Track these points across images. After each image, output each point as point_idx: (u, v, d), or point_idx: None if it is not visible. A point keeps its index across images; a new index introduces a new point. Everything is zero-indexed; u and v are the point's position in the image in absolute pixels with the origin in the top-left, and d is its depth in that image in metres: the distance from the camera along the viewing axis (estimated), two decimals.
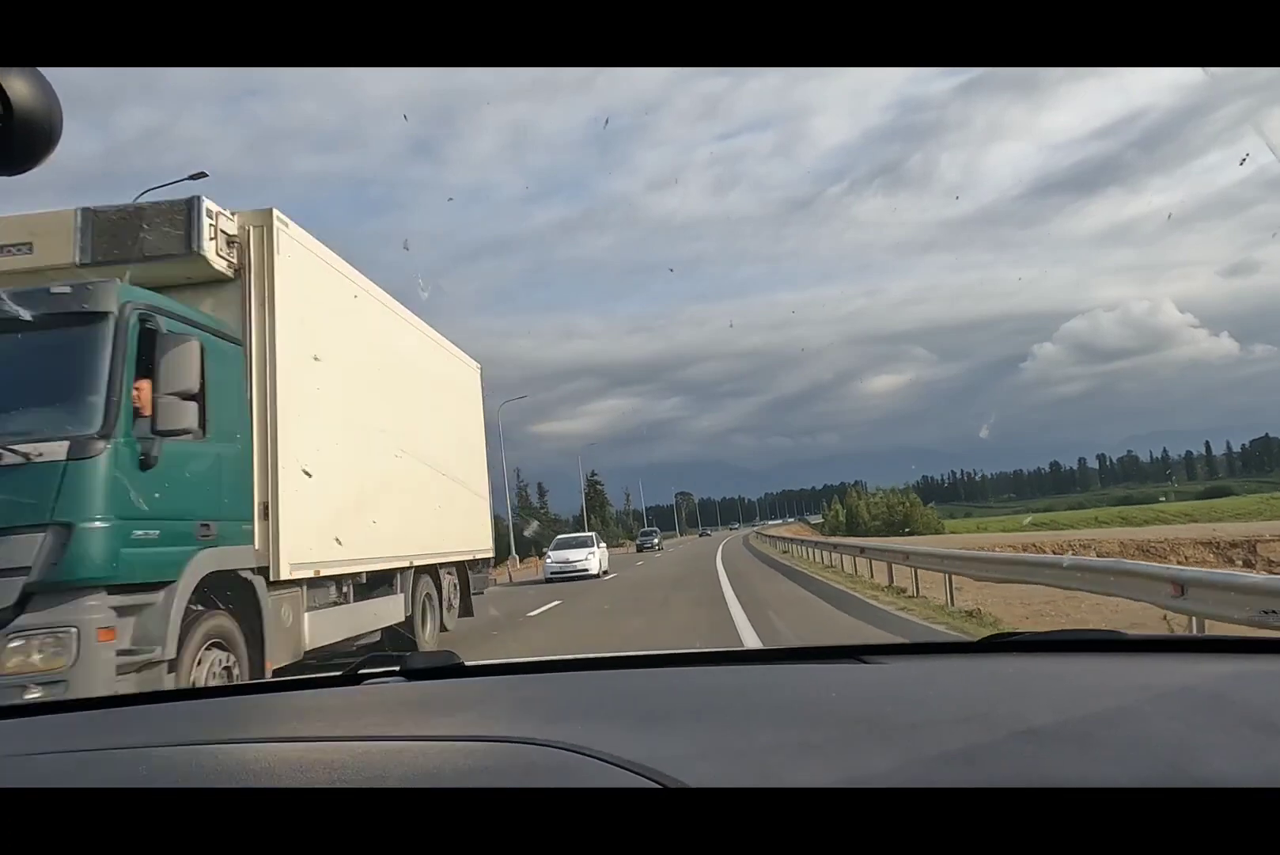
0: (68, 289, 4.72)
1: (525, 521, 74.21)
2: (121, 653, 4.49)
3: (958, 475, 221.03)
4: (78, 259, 5.69)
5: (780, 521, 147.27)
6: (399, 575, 8.21)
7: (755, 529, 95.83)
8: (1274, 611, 4.86)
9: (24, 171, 0.60)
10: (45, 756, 1.03)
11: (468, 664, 1.54)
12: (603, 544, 27.16)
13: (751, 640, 8.43)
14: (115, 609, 4.50)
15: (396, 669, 1.50)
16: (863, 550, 16.82)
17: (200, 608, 5.19)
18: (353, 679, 1.50)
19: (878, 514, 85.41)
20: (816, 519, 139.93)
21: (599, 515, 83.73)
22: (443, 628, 9.70)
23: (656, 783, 0.75)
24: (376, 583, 7.76)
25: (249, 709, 1.41)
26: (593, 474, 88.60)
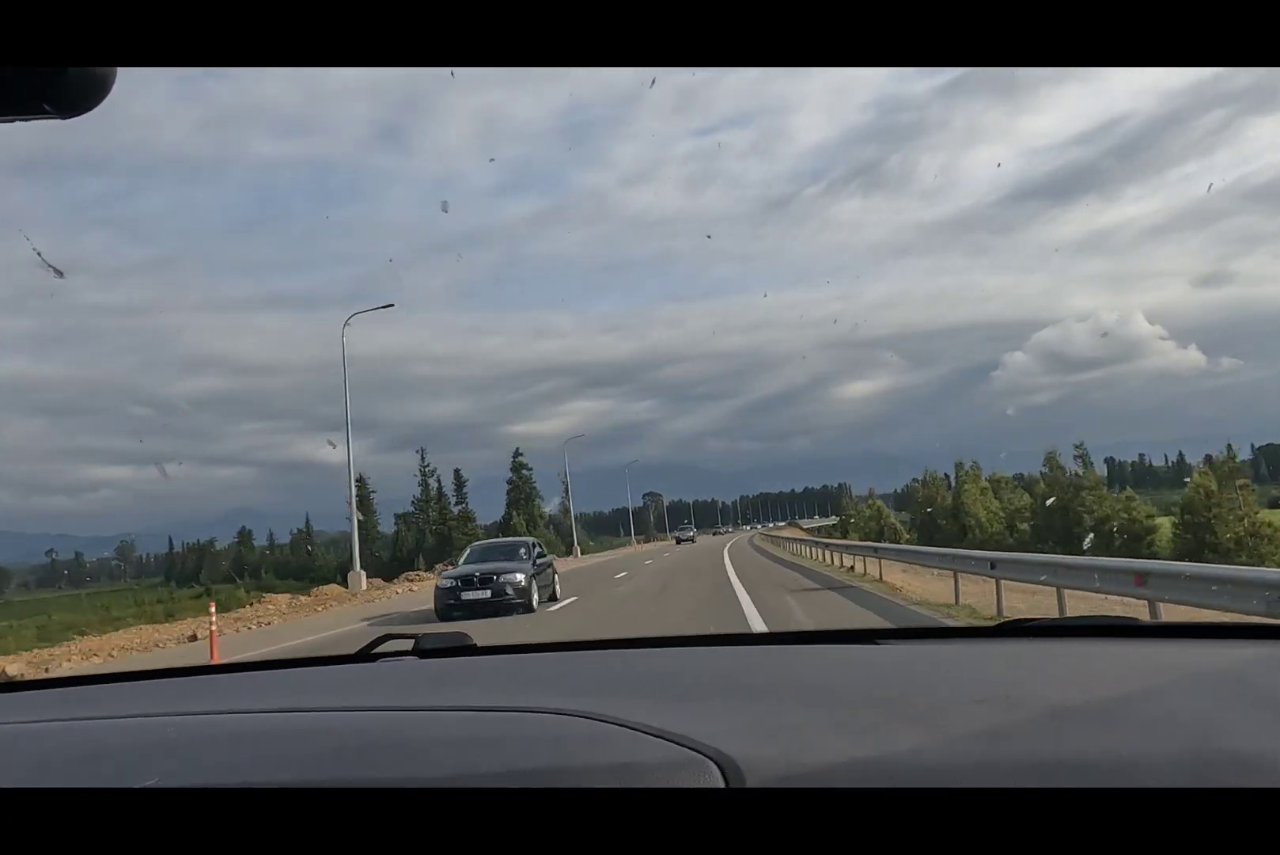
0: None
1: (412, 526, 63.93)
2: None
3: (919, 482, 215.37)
4: None
5: (767, 525, 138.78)
6: None
7: (755, 531, 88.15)
8: None
9: (80, 114, 0.61)
10: (77, 722, 1.09)
11: (481, 645, 1.58)
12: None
13: None
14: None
15: (409, 649, 1.51)
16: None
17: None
18: (366, 657, 1.52)
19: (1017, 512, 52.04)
20: (811, 522, 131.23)
21: (524, 512, 66.44)
22: None
23: (700, 752, 0.76)
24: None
25: (262, 683, 1.46)
26: (517, 453, 72.06)
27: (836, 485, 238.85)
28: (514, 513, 66.15)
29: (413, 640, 1.50)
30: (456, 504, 66.50)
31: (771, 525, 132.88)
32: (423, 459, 67.05)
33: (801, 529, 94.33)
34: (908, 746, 0.78)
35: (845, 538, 51.30)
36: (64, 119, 0.61)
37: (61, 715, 1.13)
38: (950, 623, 8.70)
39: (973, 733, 0.81)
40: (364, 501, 62.68)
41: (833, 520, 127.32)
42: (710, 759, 0.75)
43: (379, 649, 1.51)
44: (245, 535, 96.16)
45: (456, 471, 68.37)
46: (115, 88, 0.59)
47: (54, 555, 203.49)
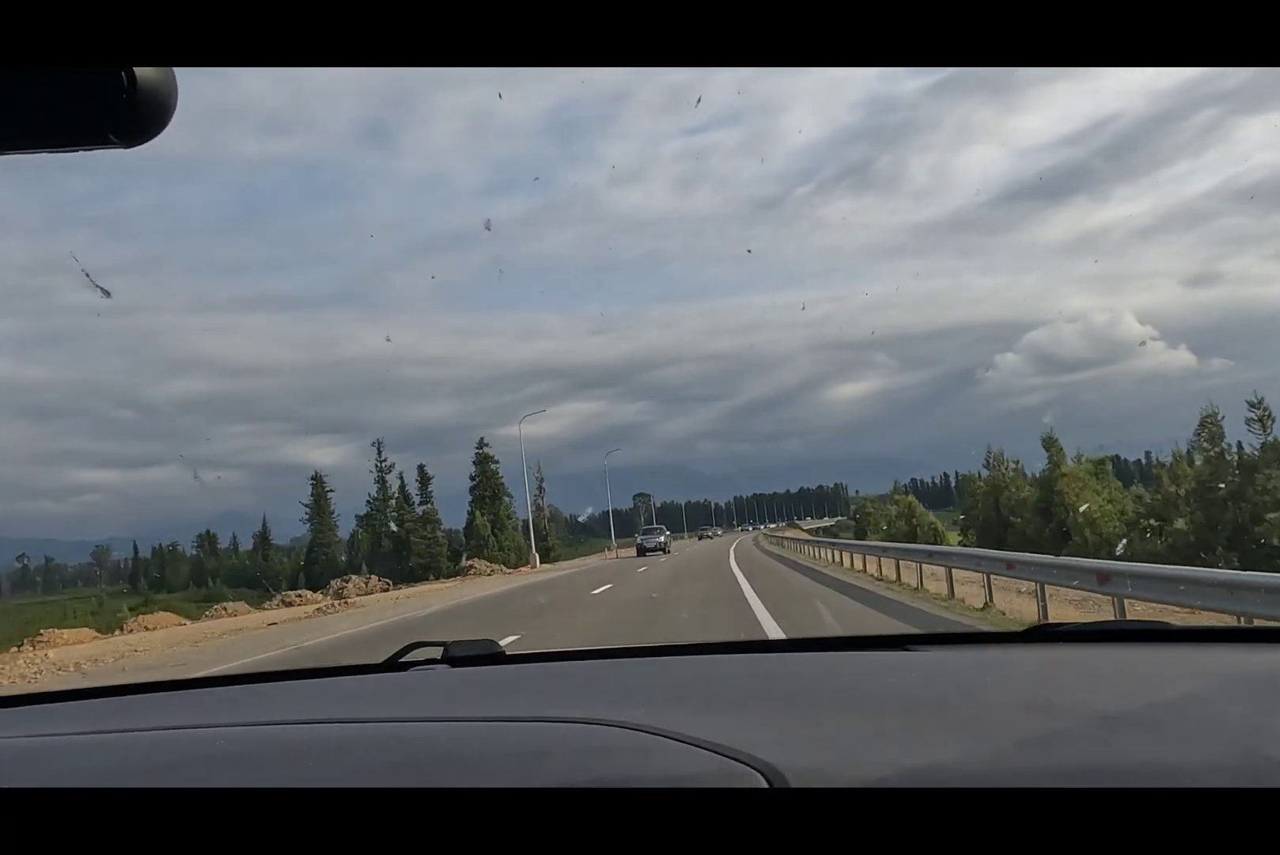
0: None
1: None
2: None
3: (937, 481, 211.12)
4: None
5: (768, 526, 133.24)
6: None
7: (755, 533, 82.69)
8: None
9: (143, 142, 0.64)
10: (110, 735, 1.09)
11: (509, 653, 1.55)
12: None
13: None
14: None
15: (438, 657, 1.50)
16: None
17: None
18: (395, 666, 1.51)
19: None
20: (811, 523, 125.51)
21: (489, 512, 54.28)
22: None
23: (745, 763, 0.75)
24: None
25: (292, 693, 1.47)
26: (481, 443, 57.19)
27: (833, 485, 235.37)
28: (477, 513, 54.33)
29: (441, 648, 1.51)
30: (421, 504, 55.40)
31: (772, 526, 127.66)
32: (379, 453, 56.08)
33: (803, 530, 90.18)
34: (952, 754, 0.77)
35: (861, 539, 42.70)
36: (128, 148, 0.64)
37: (103, 727, 1.14)
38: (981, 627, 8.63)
39: (1018, 740, 0.80)
40: (319, 502, 55.92)
41: (830, 521, 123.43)
42: (756, 770, 0.74)
43: (408, 657, 1.52)
44: (207, 538, 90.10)
45: (420, 467, 56.67)
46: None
47: (25, 560, 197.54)
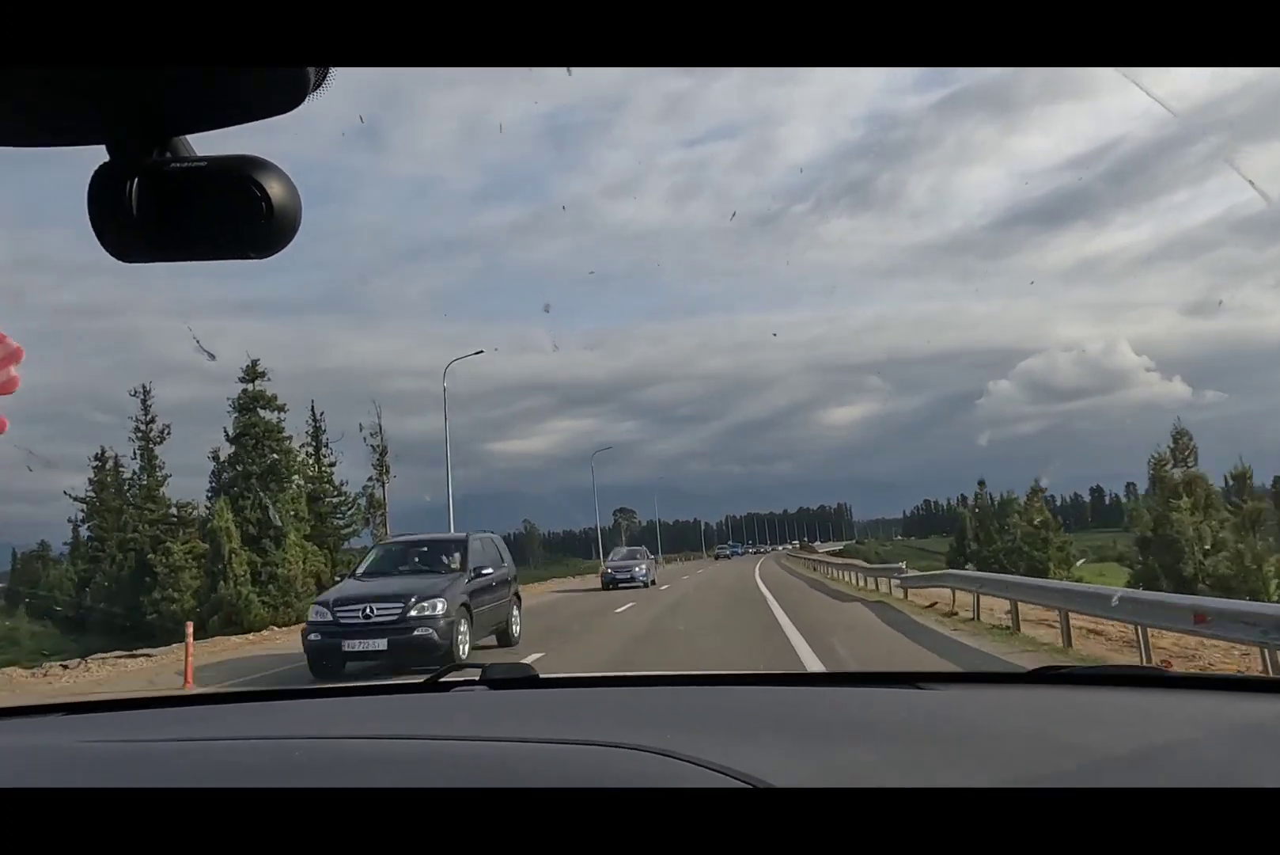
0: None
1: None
2: None
3: (938, 506, 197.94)
4: None
5: (777, 547, 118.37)
6: None
7: (765, 554, 67.94)
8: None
9: (272, 254, 0.73)
10: (159, 743, 1.18)
11: (544, 676, 1.61)
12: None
13: None
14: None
15: (476, 678, 1.55)
16: None
17: None
18: (436, 686, 1.57)
19: None
20: (832, 545, 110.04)
21: (250, 502, 22.39)
22: None
23: (748, 783, 0.81)
24: None
25: (338, 709, 1.55)
26: (252, 368, 23.86)
27: (835, 506, 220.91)
28: (221, 510, 21.79)
29: (479, 669, 1.57)
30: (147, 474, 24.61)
31: (784, 548, 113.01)
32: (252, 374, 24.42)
33: (817, 552, 76.83)
34: (951, 784, 0.83)
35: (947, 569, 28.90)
36: (261, 259, 0.72)
37: (170, 735, 1.24)
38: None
39: (1016, 777, 0.86)
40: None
41: (839, 545, 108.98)
42: (756, 789, 0.81)
43: (447, 677, 1.59)
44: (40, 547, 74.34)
45: (141, 390, 24.91)
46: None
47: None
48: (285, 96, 0.67)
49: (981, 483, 36.62)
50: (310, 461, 25.73)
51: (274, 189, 0.69)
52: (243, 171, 0.70)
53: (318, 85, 0.66)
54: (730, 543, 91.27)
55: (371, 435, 28.39)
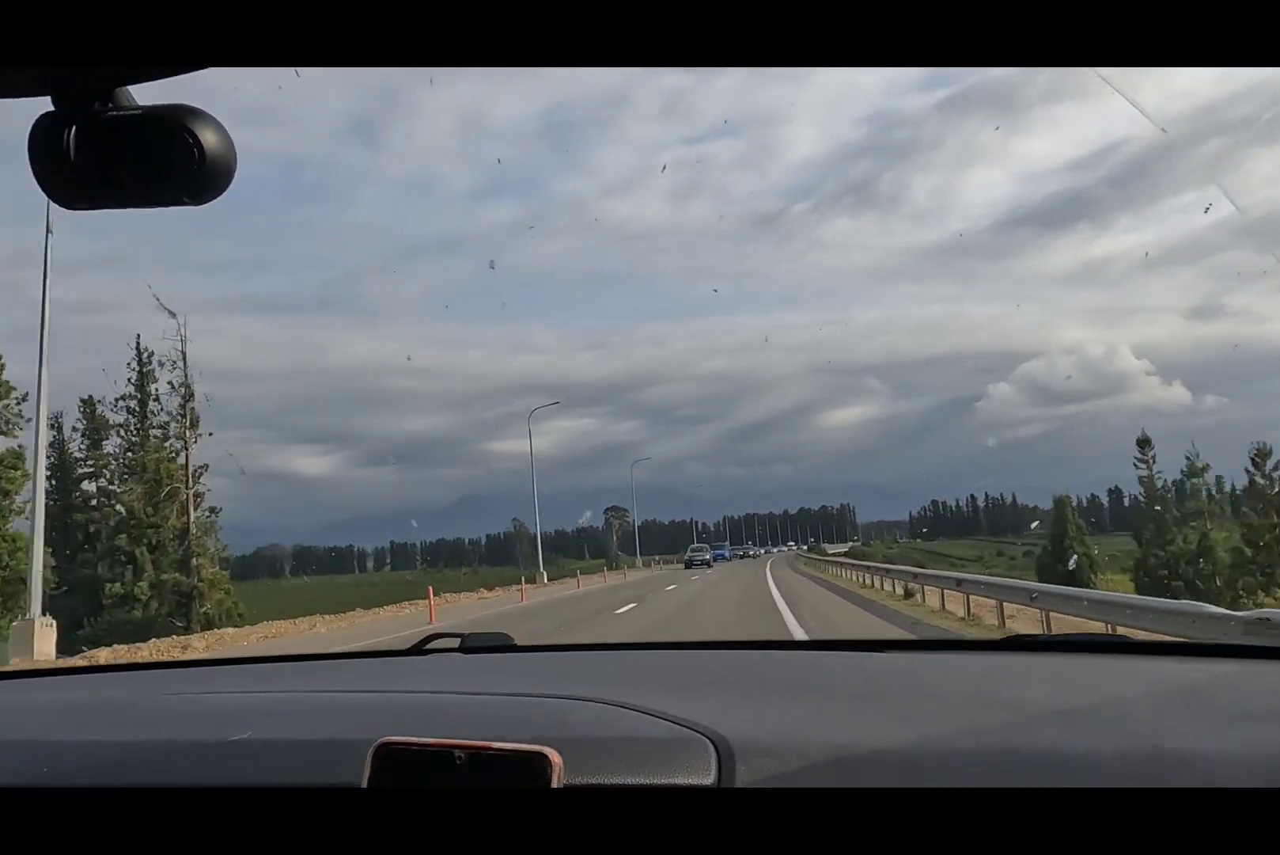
0: None
1: None
2: None
3: (946, 507, 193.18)
4: None
5: (787, 547, 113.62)
6: None
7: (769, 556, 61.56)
8: None
9: (206, 201, 0.76)
10: (180, 696, 1.36)
11: (521, 644, 1.69)
12: None
13: None
14: None
15: (456, 645, 1.62)
16: None
17: None
18: (417, 651, 1.63)
19: None
20: (837, 547, 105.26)
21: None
22: None
23: (701, 733, 0.87)
24: None
25: (325, 670, 1.70)
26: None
27: (837, 507, 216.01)
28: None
29: (459, 639, 1.63)
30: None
31: (783, 549, 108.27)
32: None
33: (826, 553, 72.31)
34: (889, 737, 0.88)
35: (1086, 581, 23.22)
36: (196, 205, 0.75)
37: (186, 690, 1.41)
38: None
39: (953, 729, 0.91)
40: None
41: (844, 546, 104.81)
42: (708, 739, 0.86)
43: (429, 645, 1.64)
44: None
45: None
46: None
47: None
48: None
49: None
50: None
51: (207, 138, 0.72)
52: (177, 120, 0.72)
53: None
54: (712, 544, 72.91)
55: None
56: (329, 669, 1.70)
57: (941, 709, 1.00)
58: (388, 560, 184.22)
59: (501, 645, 1.64)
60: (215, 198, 0.75)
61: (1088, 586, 25.05)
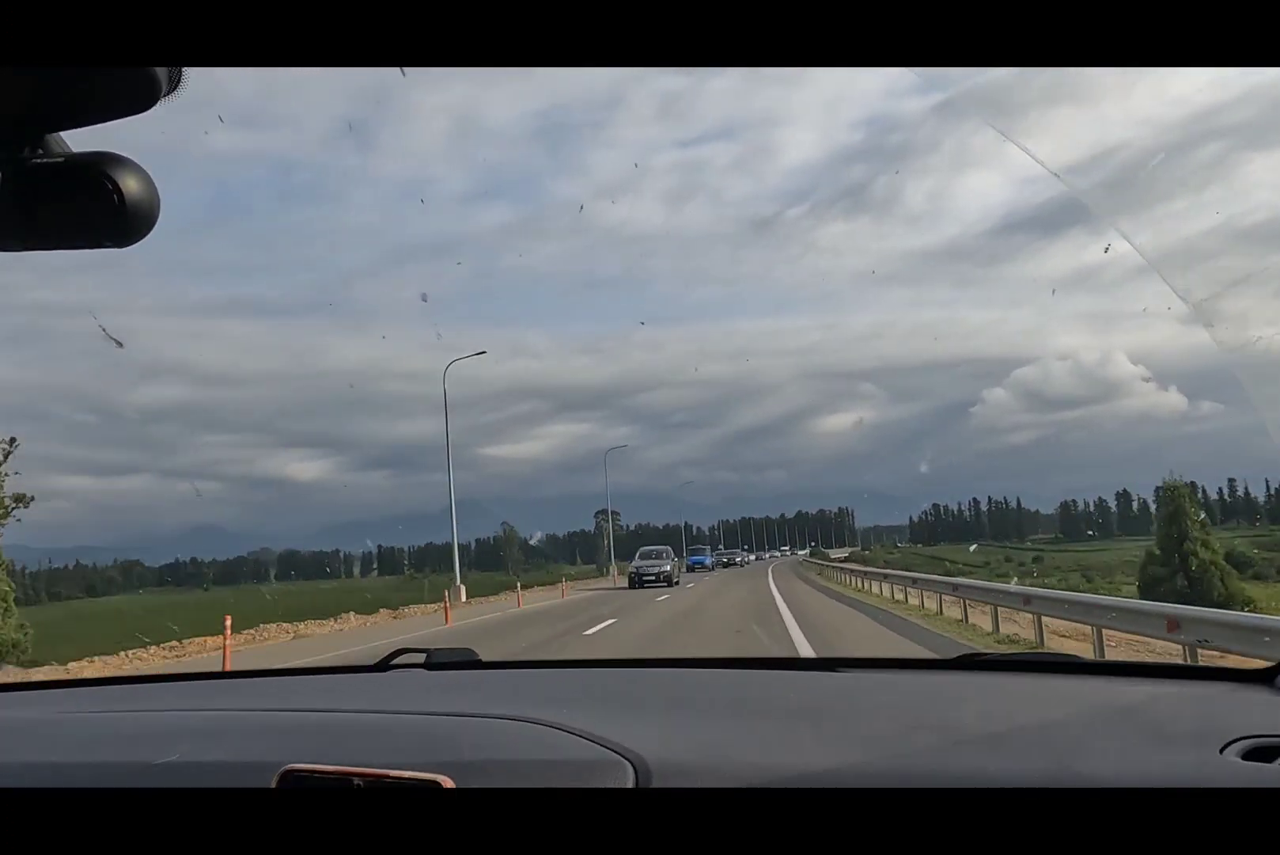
0: None
1: None
2: None
3: (947, 511, 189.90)
4: None
5: (782, 551, 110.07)
6: None
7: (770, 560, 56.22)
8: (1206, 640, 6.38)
9: (129, 245, 0.77)
10: (122, 714, 1.33)
11: (484, 660, 1.71)
12: None
13: None
14: None
15: (420, 662, 1.63)
16: None
17: None
18: (381, 668, 1.64)
19: None
20: (837, 552, 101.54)
21: None
22: None
23: (621, 755, 0.91)
24: None
25: (285, 687, 1.68)
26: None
27: (836, 511, 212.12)
28: None
29: (425, 654, 1.64)
30: None
31: (775, 553, 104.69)
32: None
33: (829, 557, 68.55)
34: (809, 759, 0.91)
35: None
36: (120, 248, 0.77)
37: (129, 707, 1.39)
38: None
39: (884, 753, 0.94)
40: None
41: (845, 551, 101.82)
42: (628, 760, 0.89)
43: (394, 662, 1.65)
44: None
45: None
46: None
47: None
48: (141, 97, 0.69)
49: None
50: None
51: (128, 184, 0.74)
52: (98, 168, 0.74)
53: (173, 86, 0.69)
54: (686, 549, 58.85)
55: None
56: (278, 686, 1.70)
57: (875, 731, 1.02)
58: (374, 565, 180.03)
59: (466, 661, 1.67)
60: (138, 240, 0.76)
61: (1228, 606, 19.01)
